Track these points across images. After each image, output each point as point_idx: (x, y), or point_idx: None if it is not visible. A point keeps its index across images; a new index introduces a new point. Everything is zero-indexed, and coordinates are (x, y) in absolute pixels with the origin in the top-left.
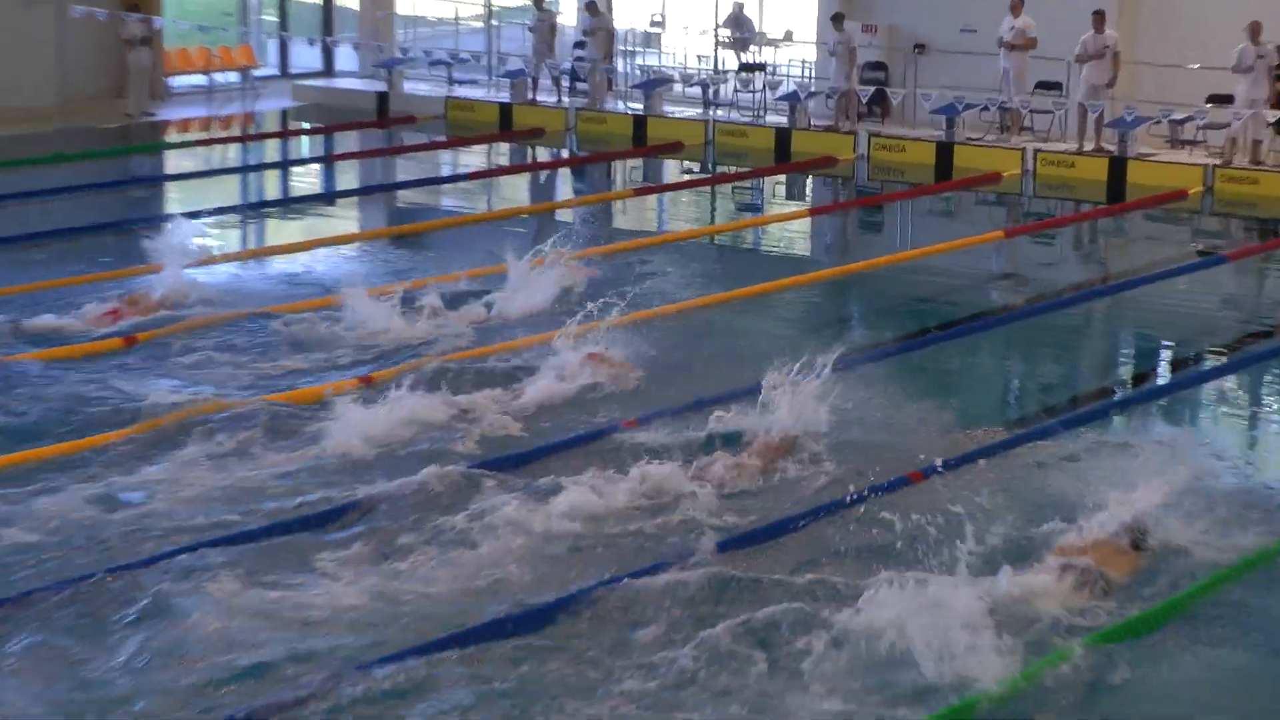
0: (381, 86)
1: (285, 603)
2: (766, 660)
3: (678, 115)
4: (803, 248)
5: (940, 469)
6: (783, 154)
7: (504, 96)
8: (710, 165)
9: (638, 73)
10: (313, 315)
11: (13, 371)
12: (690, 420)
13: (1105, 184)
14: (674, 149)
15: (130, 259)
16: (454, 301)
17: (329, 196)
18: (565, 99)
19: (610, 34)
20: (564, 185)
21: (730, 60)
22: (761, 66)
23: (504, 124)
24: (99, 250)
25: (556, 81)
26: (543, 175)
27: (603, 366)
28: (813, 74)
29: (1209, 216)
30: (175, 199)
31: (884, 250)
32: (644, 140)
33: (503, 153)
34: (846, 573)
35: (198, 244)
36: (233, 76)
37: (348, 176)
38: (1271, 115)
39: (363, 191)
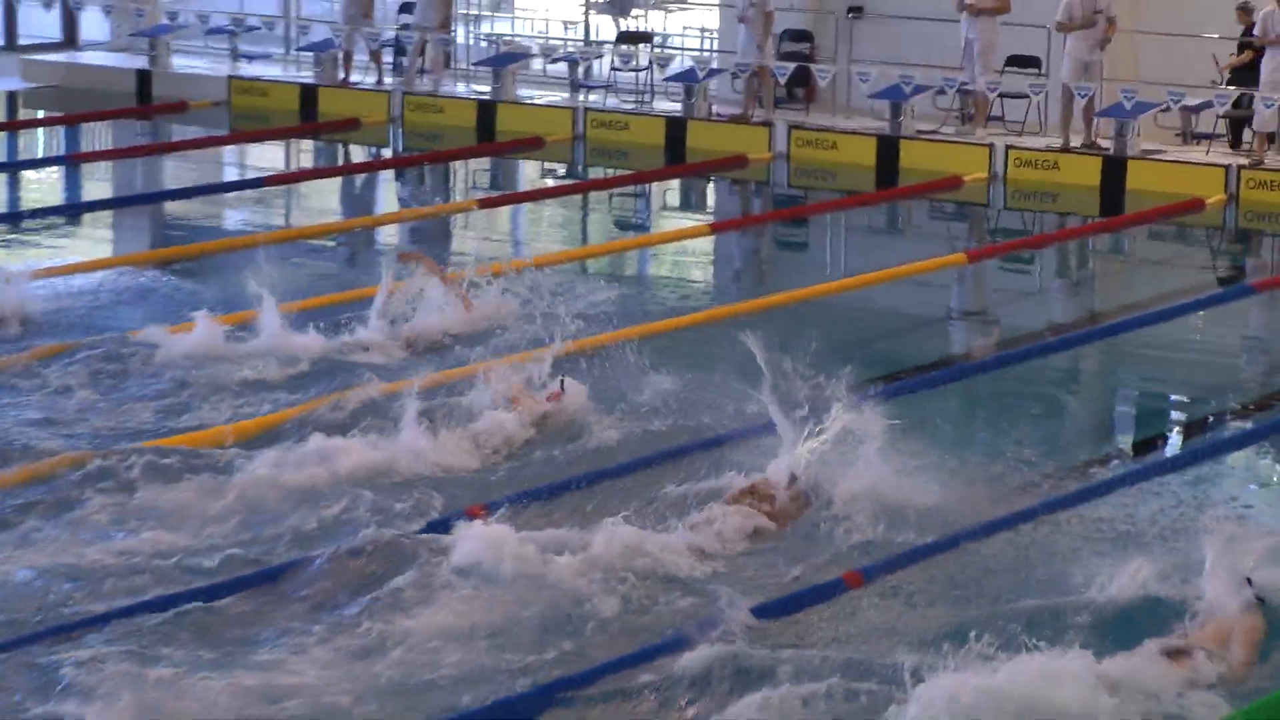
0: (142, 62)
1: (210, 687)
2: None
3: (537, 101)
4: (703, 276)
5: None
6: (676, 152)
7: (306, 76)
8: (580, 167)
9: (483, 45)
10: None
11: None
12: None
13: (1098, 191)
14: (532, 146)
15: None
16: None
17: (71, 210)
18: (388, 80)
19: None
20: (386, 195)
21: (606, 28)
22: (647, 37)
23: (306, 113)
24: None
25: (375, 56)
26: (358, 181)
27: (540, 406)
28: (714, 46)
29: (1232, 233)
30: None
31: (808, 279)
32: (492, 134)
33: (305, 151)
34: (908, 644)
35: None
36: None
37: (96, 184)
38: None
39: (115, 203)
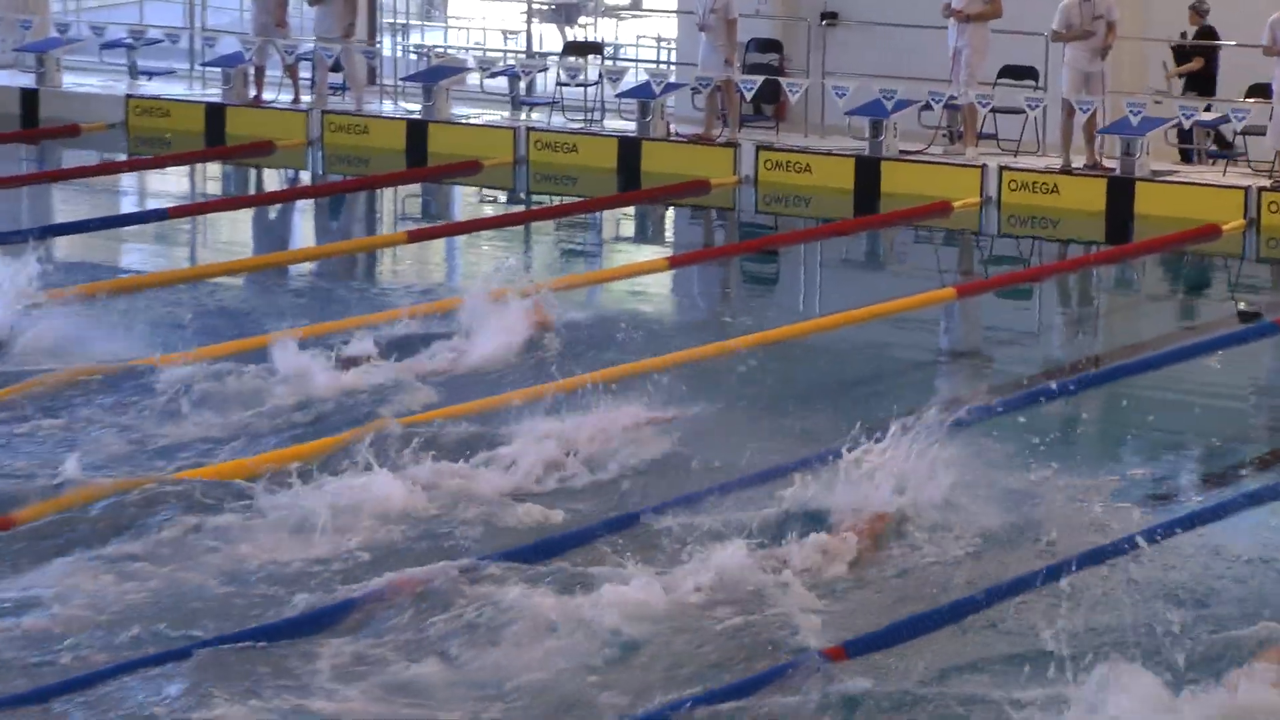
0: (29, 80)
1: None
2: None
3: (473, 120)
4: (659, 316)
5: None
6: (630, 177)
7: (213, 94)
8: (522, 194)
9: (412, 57)
10: (217, 368)
11: None
12: (746, 497)
13: (1103, 217)
14: (468, 170)
15: None
16: (398, 350)
17: None
18: (305, 98)
19: None
20: (304, 226)
21: (551, 38)
22: (597, 48)
23: (214, 135)
24: None
25: (291, 72)
26: (273, 212)
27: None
28: (672, 57)
29: (1254, 264)
30: None
31: (779, 319)
32: (424, 157)
33: (212, 179)
34: (1007, 682)
35: None
36: None
37: None
38: None
39: None
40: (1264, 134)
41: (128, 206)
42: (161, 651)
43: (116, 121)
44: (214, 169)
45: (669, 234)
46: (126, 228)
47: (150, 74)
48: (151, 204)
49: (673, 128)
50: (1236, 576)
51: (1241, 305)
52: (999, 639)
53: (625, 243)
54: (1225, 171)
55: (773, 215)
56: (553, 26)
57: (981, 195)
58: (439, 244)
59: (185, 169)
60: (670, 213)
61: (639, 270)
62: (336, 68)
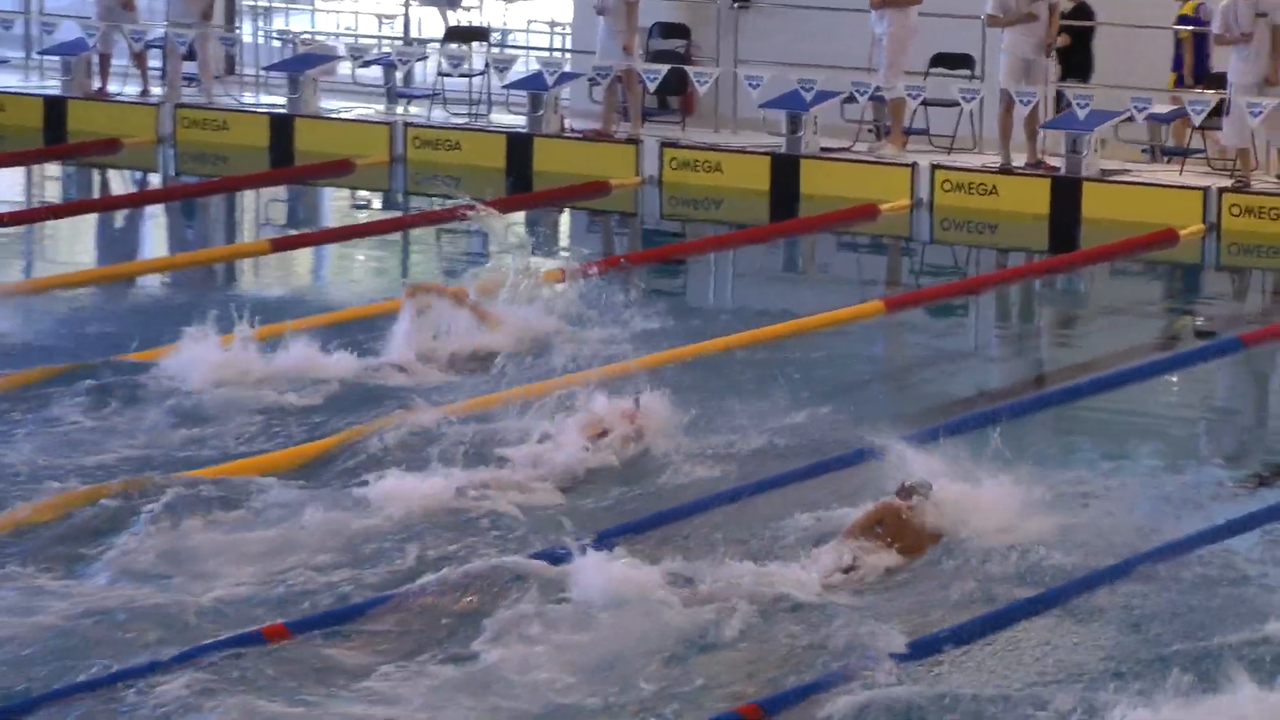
0: None
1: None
2: None
3: (345, 115)
4: (548, 336)
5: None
6: (520, 177)
7: (52, 86)
8: (400, 197)
9: (275, 44)
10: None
11: None
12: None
13: (1046, 221)
14: (340, 170)
15: None
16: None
17: None
18: (156, 89)
19: None
20: (155, 233)
21: (431, 23)
22: (483, 34)
23: (53, 131)
24: None
25: (140, 60)
26: (119, 217)
27: (637, 425)
28: (568, 45)
29: (1214, 272)
30: None
31: (687, 336)
32: (290, 157)
33: (51, 179)
34: (1080, 684)
35: None
36: None
37: None
38: None
39: None
40: (1217, 129)
41: None
42: (195, 647)
43: None
44: (53, 170)
45: (564, 240)
46: None
47: None
48: None
49: (567, 123)
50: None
51: (1200, 322)
52: (1049, 645)
53: (516, 251)
54: (1182, 170)
55: (680, 220)
56: (433, 10)
57: (912, 197)
58: (305, 254)
59: (20, 170)
60: (566, 217)
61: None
62: (191, 56)
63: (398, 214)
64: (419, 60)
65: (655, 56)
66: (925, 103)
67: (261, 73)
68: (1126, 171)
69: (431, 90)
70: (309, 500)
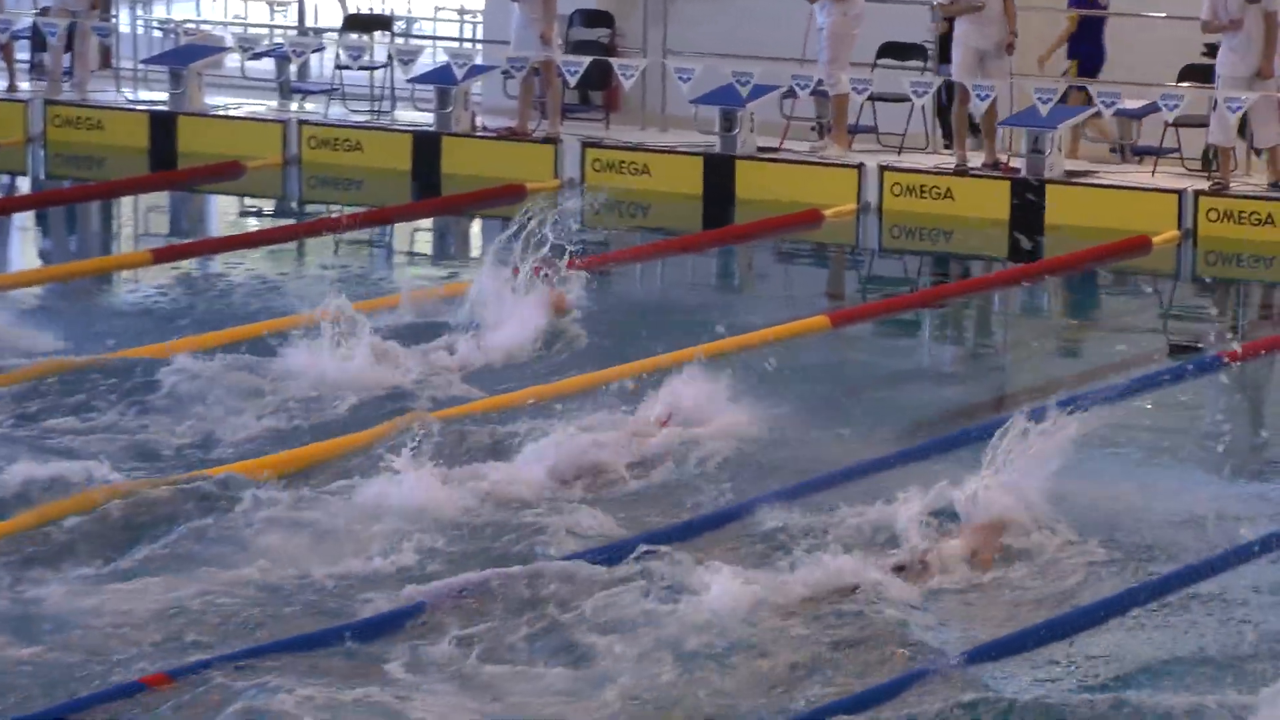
0: None
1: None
2: None
3: (233, 112)
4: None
5: None
6: (428, 181)
7: None
8: (294, 203)
9: (157, 34)
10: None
11: None
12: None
13: (1006, 227)
14: (228, 173)
15: None
16: (406, 337)
17: None
18: (24, 85)
19: None
20: (24, 244)
21: (329, 11)
22: (386, 22)
23: None
24: None
25: (5, 52)
26: None
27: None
28: (479, 34)
29: (1190, 283)
30: None
31: (613, 356)
32: (173, 159)
33: None
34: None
35: None
36: None
37: None
38: None
39: None
40: (1202, 125)
41: None
42: (219, 655)
43: None
44: None
45: (474, 250)
46: None
47: None
48: None
49: (479, 120)
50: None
51: (1177, 338)
52: (1122, 644)
53: (421, 262)
54: (1155, 172)
55: (604, 228)
56: None
57: (859, 201)
58: (189, 265)
59: None
60: (476, 226)
61: (430, 296)
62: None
63: (291, 221)
64: (315, 52)
65: (576, 47)
66: (873, 98)
67: (140, 66)
68: (1094, 173)
69: (329, 85)
70: (337, 502)
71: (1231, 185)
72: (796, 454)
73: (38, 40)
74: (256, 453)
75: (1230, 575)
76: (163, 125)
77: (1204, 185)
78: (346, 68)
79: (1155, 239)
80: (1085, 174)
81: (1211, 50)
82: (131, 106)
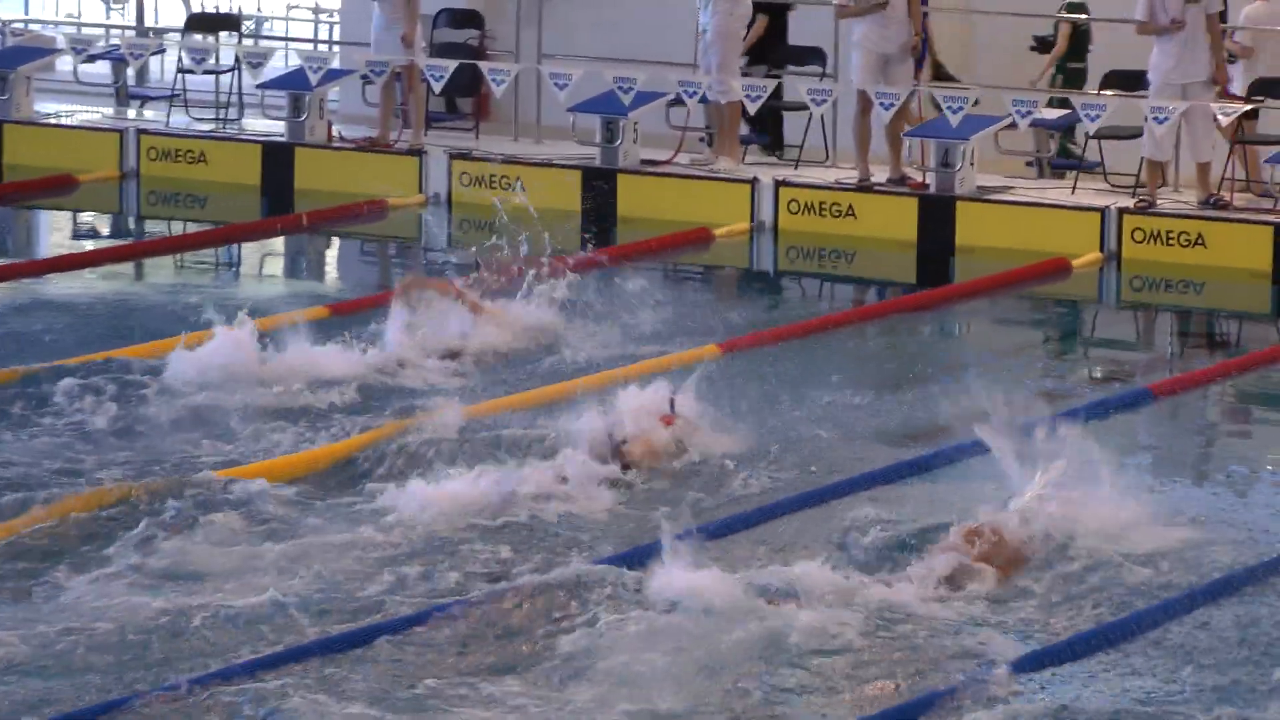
0: None
1: None
2: None
3: (65, 121)
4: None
5: None
6: (278, 196)
7: None
8: (132, 221)
9: None
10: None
11: None
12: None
13: (913, 248)
14: (58, 188)
15: None
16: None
17: None
18: None
19: None
20: None
21: (170, 9)
22: (233, 22)
23: None
24: None
25: None
26: None
27: (684, 431)
28: (336, 35)
29: (1114, 311)
30: None
31: (486, 390)
32: None
33: None
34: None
35: None
36: None
37: None
38: (1226, 110)
39: None
40: (1126, 138)
41: None
42: (232, 665)
43: None
44: None
45: (332, 273)
46: None
47: None
48: None
49: (336, 130)
50: None
51: (1100, 370)
52: (1176, 659)
53: (271, 285)
54: (1075, 188)
55: (474, 246)
56: None
57: (752, 220)
58: (12, 287)
59: None
60: (334, 246)
61: (271, 326)
62: None
63: (129, 240)
64: (155, 54)
65: (442, 50)
66: (767, 105)
67: None
68: (1009, 189)
69: (170, 91)
70: (342, 507)
71: (1159, 203)
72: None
73: None
74: (265, 454)
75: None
76: None
77: (1129, 203)
78: (190, 72)
79: (1075, 262)
80: (1000, 190)
81: (1043, 44)
82: None
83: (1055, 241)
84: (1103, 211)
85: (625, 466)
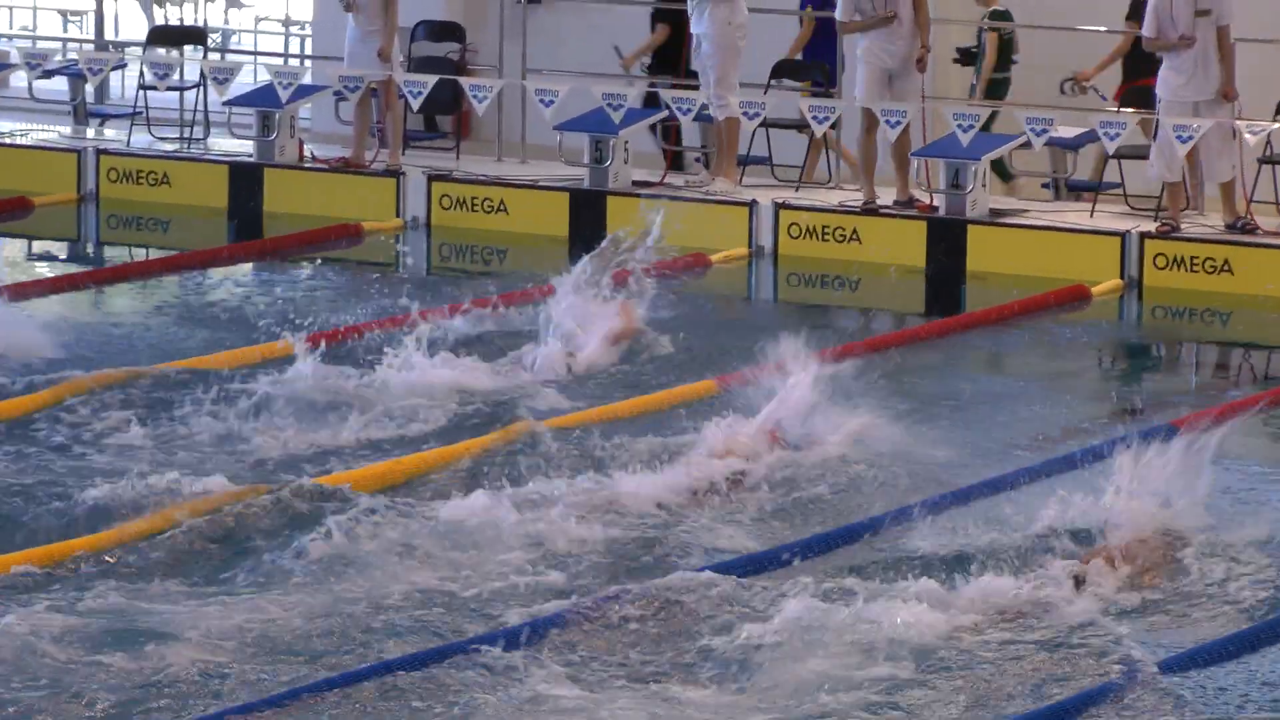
0: None
1: None
2: None
3: (19, 140)
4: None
5: None
6: (248, 220)
7: None
8: (90, 246)
9: None
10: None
11: None
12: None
13: (921, 274)
14: (13, 212)
15: None
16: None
17: None
18: None
19: None
20: None
21: (132, 21)
22: (199, 35)
23: None
24: None
25: None
26: None
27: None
28: (308, 49)
29: (1135, 339)
30: None
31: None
32: None
33: None
34: None
35: None
36: None
37: None
38: (1255, 129)
39: None
40: (1145, 157)
41: None
42: (361, 668)
43: None
44: None
45: (307, 301)
46: None
47: None
48: None
49: (308, 150)
50: None
51: (1121, 402)
52: None
53: (232, 318)
54: (1093, 211)
55: (451, 274)
56: (133, 5)
57: (750, 245)
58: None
59: None
60: (305, 273)
61: (254, 360)
62: None
63: (88, 268)
64: (115, 69)
65: (420, 65)
66: (767, 124)
67: None
68: (1024, 212)
69: (131, 108)
70: (481, 506)
71: (1183, 227)
72: (912, 470)
73: None
74: (355, 464)
75: None
76: None
77: (1150, 227)
78: (152, 88)
79: (1094, 289)
80: (1013, 213)
81: (966, 56)
82: None
83: (1073, 267)
84: (1123, 236)
85: (736, 480)
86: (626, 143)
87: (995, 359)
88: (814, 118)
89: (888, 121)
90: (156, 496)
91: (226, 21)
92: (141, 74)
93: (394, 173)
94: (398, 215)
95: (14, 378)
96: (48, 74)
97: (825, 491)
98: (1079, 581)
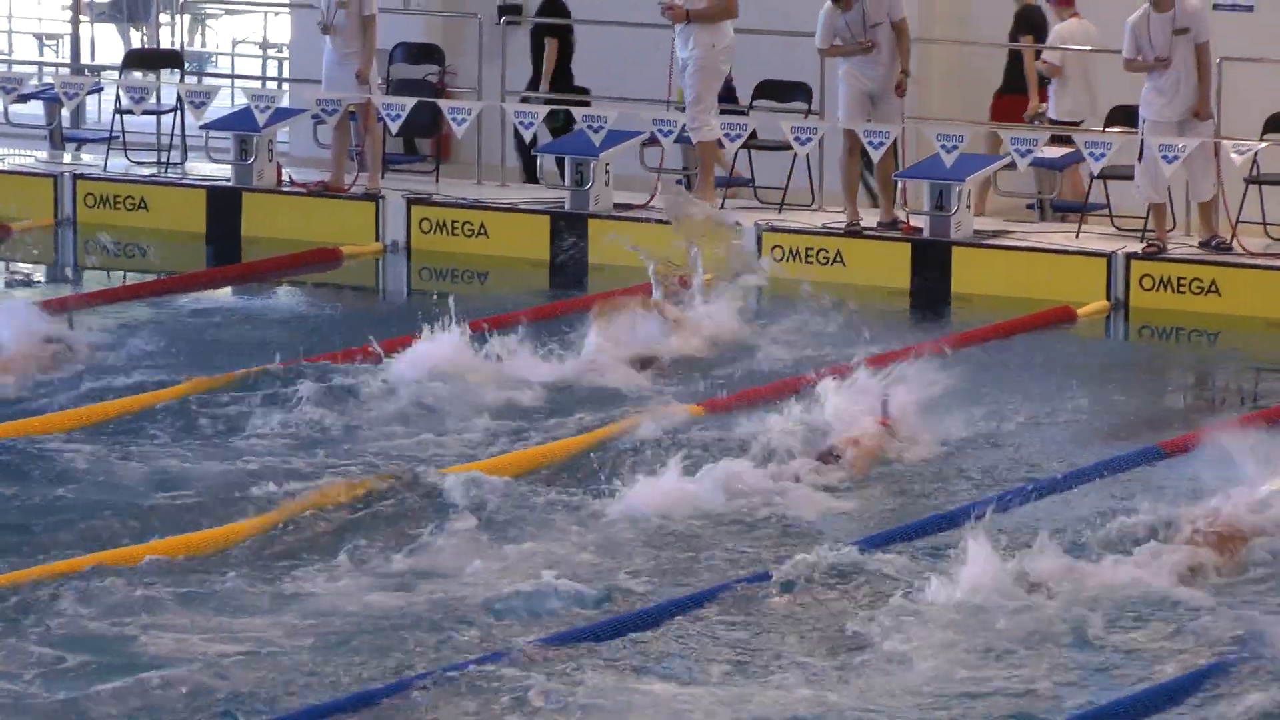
0: None
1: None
2: None
3: None
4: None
5: None
6: (225, 244)
7: None
8: (67, 270)
9: None
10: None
11: None
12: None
13: (907, 296)
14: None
15: None
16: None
17: None
18: None
19: None
20: None
21: (108, 45)
22: (176, 59)
23: None
24: None
25: None
26: None
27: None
28: (285, 72)
29: (1122, 359)
30: None
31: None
32: None
33: None
34: None
35: None
36: None
37: None
38: (1241, 149)
39: None
40: (1131, 178)
41: None
42: (547, 636)
43: None
44: None
45: (288, 328)
46: None
47: None
48: None
49: (286, 173)
50: None
51: (1106, 423)
52: None
53: (221, 342)
54: (1079, 232)
55: (444, 294)
56: (111, 28)
57: (731, 267)
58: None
59: None
60: (284, 295)
61: (214, 386)
62: None
63: (64, 292)
64: (91, 93)
65: (399, 87)
66: (748, 145)
67: None
68: (1008, 233)
69: (108, 132)
70: (571, 503)
71: (1169, 247)
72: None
73: None
74: (486, 453)
75: None
76: None
77: (1137, 248)
78: (129, 112)
79: (1080, 310)
80: (998, 234)
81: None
82: None
83: (1058, 289)
84: (1109, 257)
85: (832, 458)
86: (608, 165)
87: (969, 380)
88: (796, 139)
89: (870, 143)
90: (303, 486)
91: (203, 44)
92: (118, 98)
93: (373, 196)
94: (377, 239)
95: (133, 376)
96: (23, 98)
97: (937, 477)
98: (1190, 570)
